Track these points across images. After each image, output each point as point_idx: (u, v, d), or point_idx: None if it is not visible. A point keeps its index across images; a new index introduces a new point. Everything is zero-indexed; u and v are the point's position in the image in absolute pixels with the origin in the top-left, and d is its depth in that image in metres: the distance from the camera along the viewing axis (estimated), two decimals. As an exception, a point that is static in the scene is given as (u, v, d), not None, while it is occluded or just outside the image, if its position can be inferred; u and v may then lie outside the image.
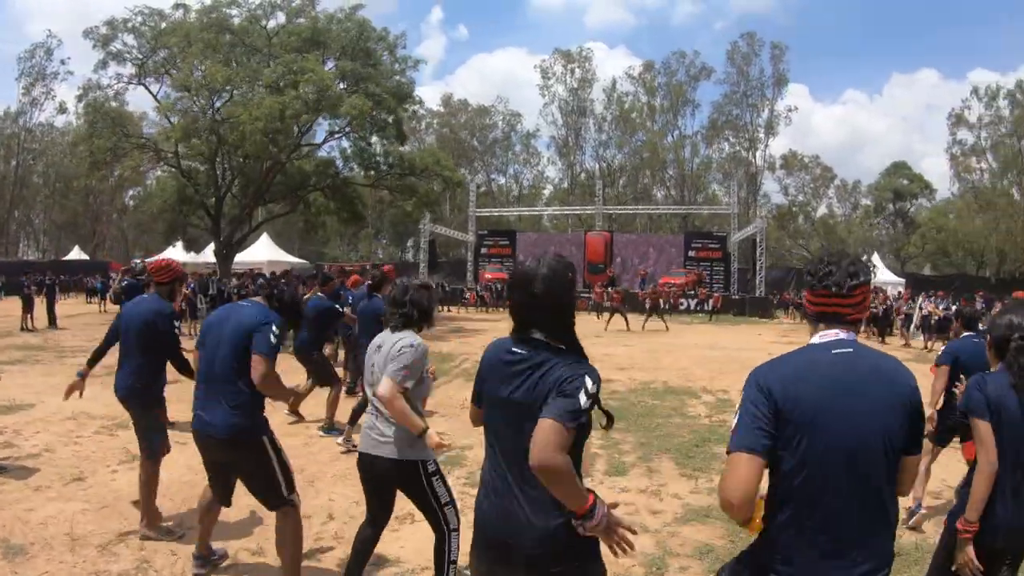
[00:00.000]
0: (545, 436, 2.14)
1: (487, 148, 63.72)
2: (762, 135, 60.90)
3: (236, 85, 23.08)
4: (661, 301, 28.37)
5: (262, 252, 34.95)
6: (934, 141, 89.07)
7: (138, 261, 15.24)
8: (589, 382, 2.27)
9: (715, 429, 9.22)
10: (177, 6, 24.69)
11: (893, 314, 25.55)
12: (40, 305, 20.32)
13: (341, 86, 22.69)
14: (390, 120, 25.12)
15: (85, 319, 23.14)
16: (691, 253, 44.54)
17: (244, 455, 4.03)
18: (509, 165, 66.68)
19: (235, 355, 3.98)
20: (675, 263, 43.97)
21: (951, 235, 55.38)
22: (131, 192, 58.26)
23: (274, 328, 4.02)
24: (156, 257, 39.15)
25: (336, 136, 26.74)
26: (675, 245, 46.21)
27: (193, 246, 39.74)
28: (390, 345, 3.85)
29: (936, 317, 23.26)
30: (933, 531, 5.54)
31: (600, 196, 50.16)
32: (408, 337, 3.88)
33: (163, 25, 23.98)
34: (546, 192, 67.80)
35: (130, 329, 5.09)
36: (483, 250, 46.41)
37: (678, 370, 15.14)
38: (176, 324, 5.34)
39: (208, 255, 31.55)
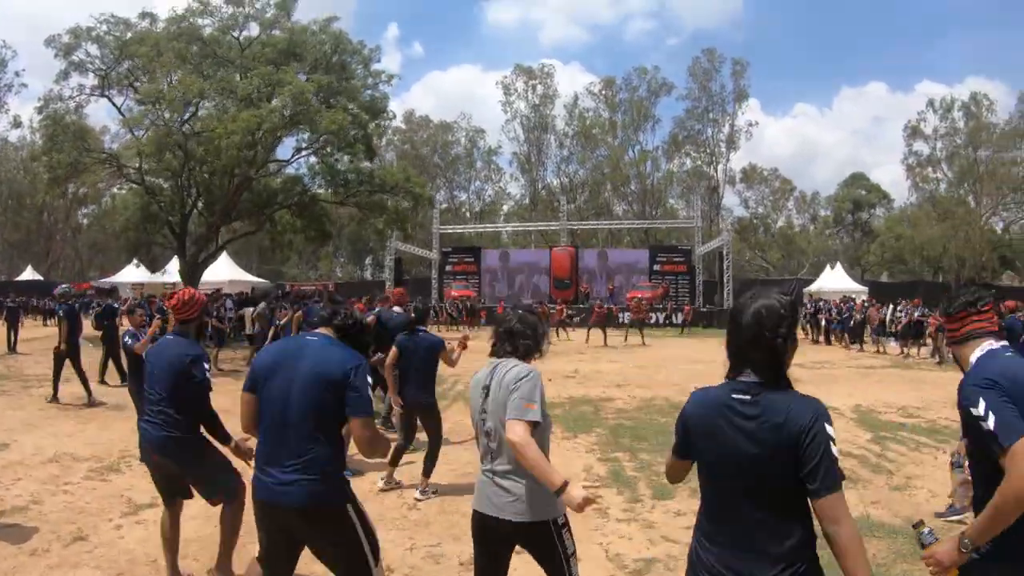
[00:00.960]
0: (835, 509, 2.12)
1: (448, 164, 63.13)
2: (723, 149, 61.68)
3: (210, 97, 22.07)
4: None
5: (223, 271, 33.70)
6: (884, 152, 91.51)
7: (65, 287, 14.36)
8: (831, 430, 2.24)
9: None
10: (144, 15, 23.65)
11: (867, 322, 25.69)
12: (-1, 328, 19.30)
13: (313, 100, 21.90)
14: (359, 136, 24.39)
15: (45, 343, 21.96)
16: (656, 267, 44.57)
17: (326, 528, 3.31)
18: (471, 182, 66.25)
19: (317, 408, 3.28)
20: (640, 277, 43.90)
21: (908, 243, 56.51)
22: (84, 210, 56.36)
23: (369, 378, 3.35)
24: (121, 279, 37.64)
25: (305, 152, 25.90)
26: (640, 259, 46.14)
27: (152, 265, 38.25)
28: (500, 378, 3.24)
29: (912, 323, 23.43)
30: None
31: (564, 212, 49.94)
32: (519, 364, 3.28)
33: (129, 35, 22.85)
34: (505, 208, 67.46)
35: (158, 378, 4.50)
36: (447, 267, 45.80)
37: (674, 386, 15.03)
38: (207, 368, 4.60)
39: (172, 274, 30.36)
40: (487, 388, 3.28)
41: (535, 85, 61.78)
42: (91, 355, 13.93)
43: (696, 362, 19.81)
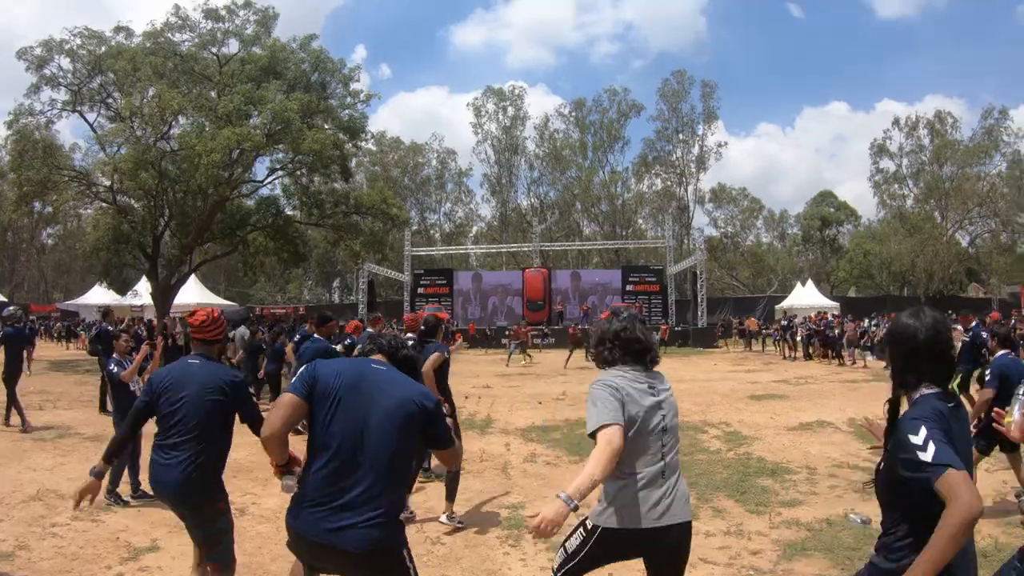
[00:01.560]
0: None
1: (419, 186, 62.84)
2: (694, 169, 62.27)
3: (188, 114, 21.44)
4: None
5: (191, 294, 32.78)
6: (845, 169, 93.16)
7: (13, 308, 13.92)
8: None
9: (747, 463, 9.34)
10: (119, 29, 22.94)
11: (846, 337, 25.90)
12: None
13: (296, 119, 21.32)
14: (335, 156, 24.00)
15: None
16: (629, 287, 44.56)
17: (382, 572, 3.00)
18: (442, 203, 65.91)
19: (400, 444, 3.01)
20: (613, 297, 43.93)
21: (876, 258, 57.60)
22: (50, 230, 55.00)
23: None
24: (87, 301, 36.45)
25: (280, 172, 25.36)
26: (613, 279, 46.18)
27: (120, 287, 37.00)
28: (668, 395, 3.36)
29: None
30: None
31: (537, 233, 49.89)
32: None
33: (103, 49, 22.13)
34: (473, 230, 67.27)
35: (190, 410, 4.02)
36: (419, 290, 45.34)
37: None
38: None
39: (143, 296, 29.58)
40: (660, 403, 3.27)
41: (506, 107, 62.04)
42: (32, 381, 13.50)
43: (681, 381, 19.64)
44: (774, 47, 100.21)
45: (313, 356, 7.98)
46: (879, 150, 57.68)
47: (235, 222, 25.81)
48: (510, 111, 62.17)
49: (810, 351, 27.55)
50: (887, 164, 57.80)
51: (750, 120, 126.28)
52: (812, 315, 32.10)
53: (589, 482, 2.89)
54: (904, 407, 2.57)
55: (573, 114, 62.33)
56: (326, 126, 22.47)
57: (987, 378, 7.11)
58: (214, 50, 23.57)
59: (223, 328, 4.35)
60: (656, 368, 3.43)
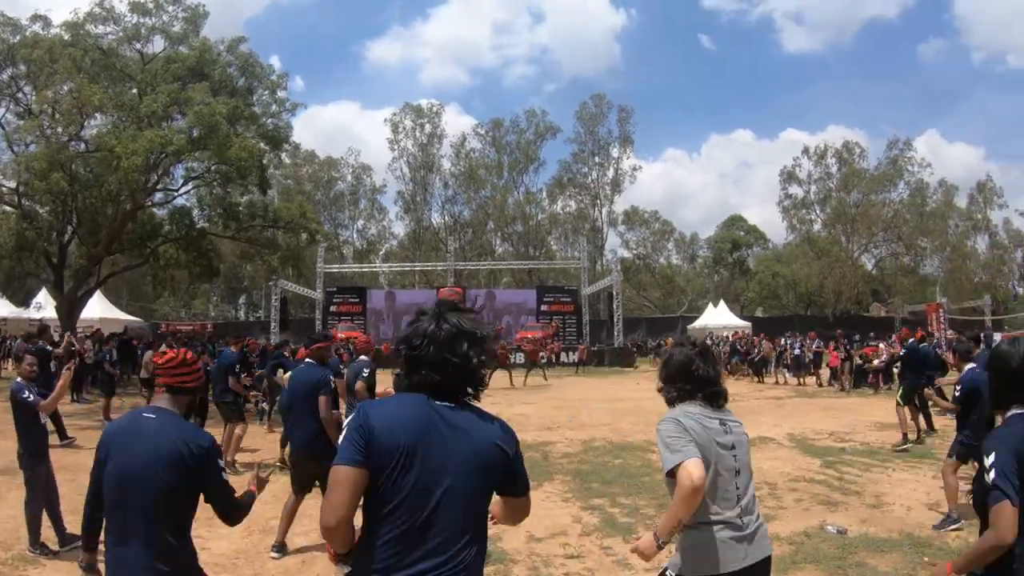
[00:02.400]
0: None
1: (332, 201, 61.49)
2: (608, 192, 63.07)
3: (108, 112, 20.00)
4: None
5: (94, 308, 30.64)
6: (750, 195, 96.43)
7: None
8: None
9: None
10: (36, 18, 21.34)
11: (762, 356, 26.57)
12: None
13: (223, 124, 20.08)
14: (253, 166, 22.98)
15: None
16: (543, 307, 44.69)
17: None
18: (355, 220, 64.69)
19: (479, 499, 2.39)
20: (528, 317, 43.95)
21: (782, 279, 59.95)
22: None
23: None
24: (23, 314, 33.39)
25: (195, 181, 24.07)
26: (527, 299, 46.23)
27: (19, 299, 34.14)
28: (740, 433, 3.23)
29: (809, 356, 24.61)
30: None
31: (452, 252, 49.56)
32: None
33: (17, 38, 20.60)
34: (383, 248, 66.32)
35: (139, 490, 2.97)
36: (332, 308, 44.28)
37: (604, 426, 14.89)
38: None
39: (47, 309, 27.52)
40: (733, 443, 3.14)
41: (423, 124, 61.45)
42: None
43: (614, 400, 19.73)
44: (685, 76, 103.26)
45: (314, 388, 6.58)
46: (788, 176, 59.79)
47: (146, 232, 24.37)
48: (427, 128, 61.76)
49: (728, 368, 28.11)
50: (796, 190, 60.09)
51: (658, 145, 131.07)
52: (730, 335, 32.82)
53: (673, 523, 2.88)
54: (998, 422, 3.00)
55: (490, 134, 62.44)
56: (248, 134, 21.37)
57: (956, 394, 7.23)
58: (138, 46, 22.12)
59: (198, 374, 3.35)
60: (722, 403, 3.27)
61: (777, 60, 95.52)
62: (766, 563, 3.10)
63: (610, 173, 62.39)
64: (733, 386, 23.43)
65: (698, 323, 43.57)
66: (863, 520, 7.35)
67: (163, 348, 13.62)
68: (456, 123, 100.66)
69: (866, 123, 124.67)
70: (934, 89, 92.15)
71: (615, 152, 62.06)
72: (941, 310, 37.89)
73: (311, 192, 57.58)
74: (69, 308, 21.98)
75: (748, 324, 41.46)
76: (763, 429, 13.88)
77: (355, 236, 64.05)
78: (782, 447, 12.09)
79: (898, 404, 12.00)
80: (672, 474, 2.90)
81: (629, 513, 7.71)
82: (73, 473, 9.02)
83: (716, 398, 3.21)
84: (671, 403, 3.24)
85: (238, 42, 22.61)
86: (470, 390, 2.39)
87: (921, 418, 12.61)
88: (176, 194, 24.91)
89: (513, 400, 19.81)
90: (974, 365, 7.35)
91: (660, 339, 40.14)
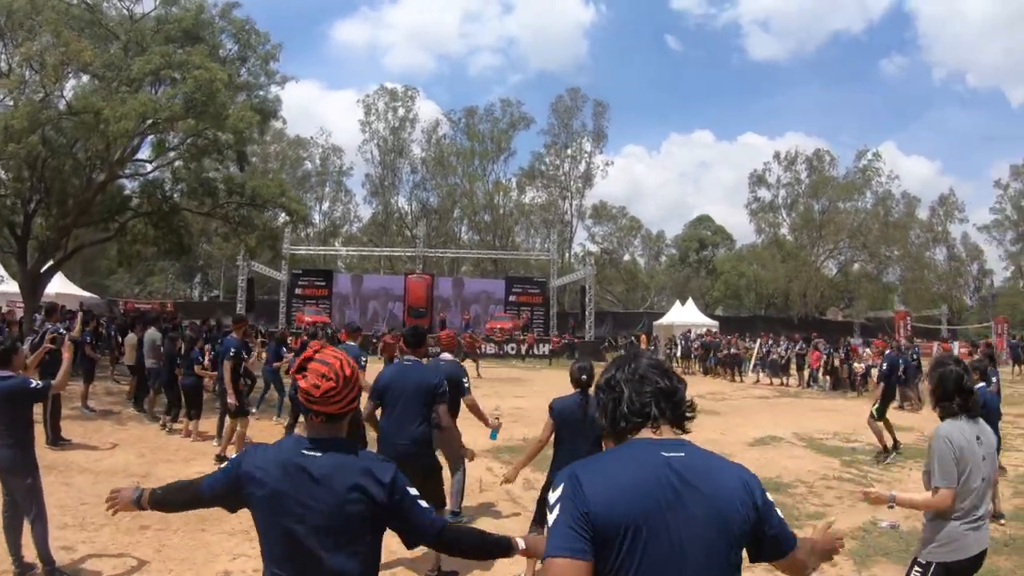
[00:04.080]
0: None
1: (299, 181, 60.07)
2: (581, 186, 62.84)
3: (95, 71, 18.76)
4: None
5: (52, 284, 29.33)
6: (706, 194, 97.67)
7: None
8: None
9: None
10: None
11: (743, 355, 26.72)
12: None
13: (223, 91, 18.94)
14: (232, 141, 22.05)
15: None
16: (512, 298, 44.42)
17: None
18: (321, 201, 63.42)
19: (732, 562, 1.84)
20: (496, 307, 43.68)
21: (749, 281, 60.71)
22: None
23: None
24: None
25: (174, 153, 22.89)
26: (496, 289, 45.92)
27: None
28: (987, 437, 3.71)
29: (791, 357, 24.82)
30: None
31: (422, 239, 48.98)
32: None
33: None
34: (345, 230, 65.27)
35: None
36: (297, 290, 43.31)
37: None
38: None
39: (10, 283, 26.03)
40: (984, 456, 3.63)
41: (396, 107, 60.41)
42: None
43: (594, 395, 19.43)
44: (649, 74, 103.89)
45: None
46: (758, 180, 60.50)
47: (115, 205, 23.21)
48: (400, 112, 60.65)
49: (702, 367, 28.25)
50: (764, 193, 60.76)
51: (619, 141, 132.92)
52: (699, 332, 32.91)
53: (909, 504, 3.79)
54: None
55: (463, 121, 61.69)
56: (240, 102, 20.41)
57: None
58: (127, 3, 20.90)
59: (356, 392, 2.46)
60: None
61: (741, 65, 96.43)
62: (985, 551, 3.66)
63: (582, 167, 62.31)
64: (714, 385, 23.70)
65: (665, 320, 43.65)
66: (906, 516, 7.34)
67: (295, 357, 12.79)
68: (420, 109, 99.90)
69: (825, 131, 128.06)
70: (894, 103, 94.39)
71: (588, 146, 61.96)
72: (908, 318, 38.58)
73: (277, 171, 56.06)
74: (32, 283, 20.83)
75: (715, 323, 41.70)
76: (768, 429, 13.81)
77: (320, 218, 62.78)
78: (795, 446, 12.02)
79: (872, 418, 11.17)
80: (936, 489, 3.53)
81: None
82: (64, 474, 8.51)
83: (976, 410, 3.70)
84: (946, 416, 3.69)
85: (232, 7, 21.56)
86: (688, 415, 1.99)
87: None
88: (152, 165, 23.70)
89: (503, 393, 19.44)
90: (983, 384, 7.37)
91: (630, 334, 40.08)
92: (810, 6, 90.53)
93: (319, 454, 2.34)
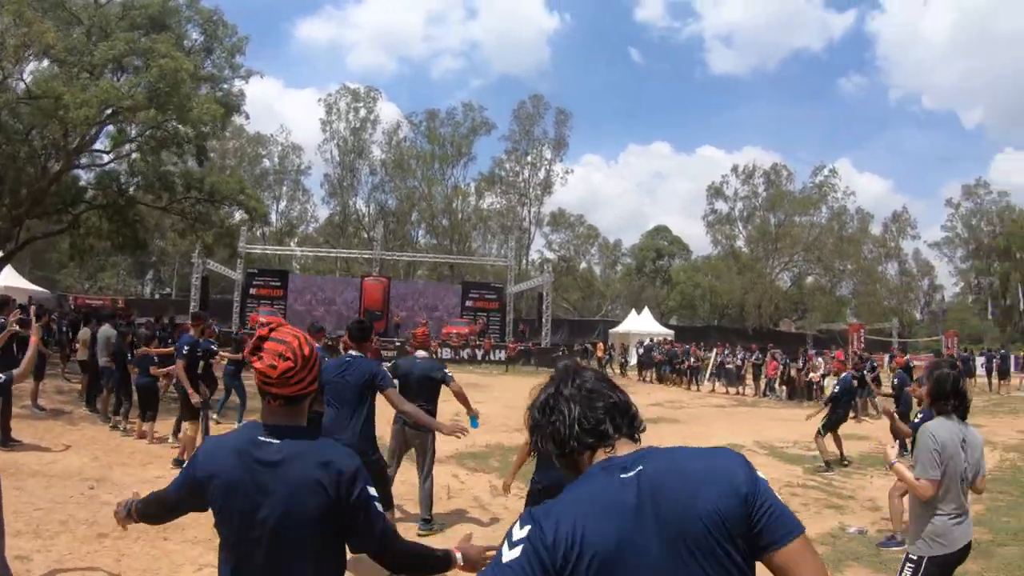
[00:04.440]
0: None
1: (256, 179, 59.17)
2: (540, 192, 63.10)
3: (58, 55, 18.15)
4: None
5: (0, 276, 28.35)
6: (663, 205, 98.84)
7: None
8: None
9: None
10: None
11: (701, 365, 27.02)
12: None
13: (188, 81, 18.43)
14: (192, 135, 21.63)
15: None
16: (468, 303, 44.26)
17: None
18: (279, 200, 62.64)
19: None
20: (452, 312, 43.47)
21: (704, 291, 61.68)
22: None
23: None
24: None
25: (131, 144, 22.34)
26: (452, 294, 45.74)
27: None
28: (973, 439, 3.93)
29: (747, 367, 25.28)
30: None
31: (378, 241, 48.56)
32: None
33: None
34: (301, 231, 64.63)
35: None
36: (252, 290, 42.53)
37: None
38: None
39: None
40: (967, 456, 3.85)
41: (358, 108, 60.03)
42: None
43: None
44: (610, 84, 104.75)
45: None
46: (716, 192, 61.57)
47: (70, 196, 22.65)
48: (362, 112, 60.27)
49: (659, 376, 28.50)
50: (721, 206, 61.82)
51: (578, 149, 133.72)
52: (658, 341, 33.15)
53: (900, 474, 4.00)
54: None
55: (424, 124, 61.51)
56: (201, 97, 20.00)
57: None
58: None
59: (316, 374, 2.28)
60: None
61: (702, 78, 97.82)
62: (970, 544, 3.89)
63: (541, 174, 62.53)
64: (671, 393, 23.88)
65: (621, 328, 43.87)
66: (872, 522, 7.70)
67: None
68: (381, 110, 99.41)
69: (781, 147, 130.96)
70: (850, 121, 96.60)
71: (548, 154, 62.24)
72: (862, 330, 39.40)
73: (235, 167, 55.17)
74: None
75: (671, 332, 42.07)
76: (729, 437, 13.91)
77: (277, 217, 61.98)
78: (758, 455, 12.15)
79: (819, 434, 11.16)
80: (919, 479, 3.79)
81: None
82: (16, 478, 8.02)
83: (966, 412, 3.96)
84: (939, 416, 3.94)
85: (198, -4, 21.15)
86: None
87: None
88: (109, 156, 23.14)
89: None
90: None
91: (585, 342, 40.26)
92: (773, 23, 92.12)
93: (276, 441, 2.16)
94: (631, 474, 1.61)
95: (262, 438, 2.18)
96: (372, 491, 2.21)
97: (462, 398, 6.56)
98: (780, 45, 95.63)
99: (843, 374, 12.97)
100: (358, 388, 5.60)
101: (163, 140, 21.34)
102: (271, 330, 2.24)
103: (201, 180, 23.60)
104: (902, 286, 64.65)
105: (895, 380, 13.10)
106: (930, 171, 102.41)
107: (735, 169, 61.17)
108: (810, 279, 61.42)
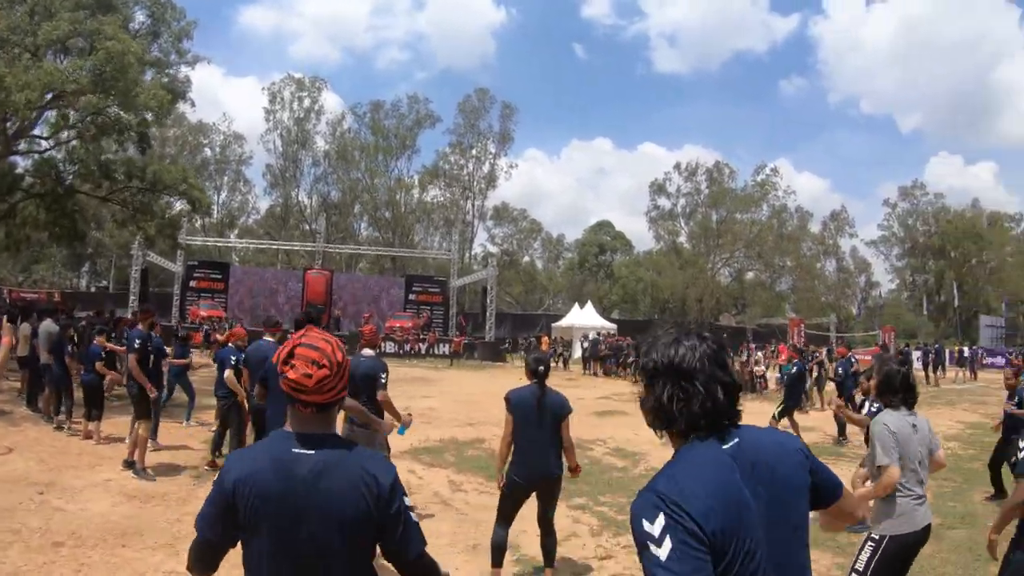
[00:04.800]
0: None
1: (196, 169, 57.66)
2: (484, 186, 63.19)
3: (0, 33, 17.06)
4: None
5: None
6: (604, 201, 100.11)
7: None
8: None
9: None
10: None
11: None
12: None
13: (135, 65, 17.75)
14: (134, 122, 20.98)
15: None
16: (412, 297, 44.14)
17: None
18: (220, 191, 61.26)
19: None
20: (396, 306, 43.29)
21: (646, 285, 62.83)
22: None
23: None
24: None
25: (69, 130, 21.53)
26: (396, 287, 45.56)
27: None
28: (924, 424, 4.22)
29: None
30: None
31: (322, 233, 48.01)
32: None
33: None
34: (241, 222, 63.46)
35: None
36: (192, 283, 41.57)
37: None
38: None
39: None
40: (920, 439, 4.14)
41: (302, 97, 59.14)
42: None
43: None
44: (554, 80, 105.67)
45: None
46: (659, 189, 62.56)
47: (5, 184, 21.77)
48: (306, 103, 59.50)
49: (603, 369, 28.81)
50: (664, 202, 62.94)
51: (521, 144, 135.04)
52: (607, 335, 33.52)
53: (868, 497, 4.07)
54: None
55: (369, 115, 60.93)
56: (147, 82, 19.39)
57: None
58: None
59: (347, 380, 2.23)
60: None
61: (645, 76, 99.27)
62: (930, 526, 4.11)
63: (485, 168, 62.62)
64: (615, 386, 24.14)
65: (564, 322, 44.06)
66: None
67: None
68: (325, 101, 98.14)
69: (722, 145, 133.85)
70: (790, 122, 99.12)
71: (493, 148, 62.28)
72: (803, 325, 40.45)
73: (176, 156, 53.76)
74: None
75: (614, 326, 42.48)
76: (677, 428, 14.10)
77: (218, 208, 60.55)
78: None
79: (774, 418, 11.97)
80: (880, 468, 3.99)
81: (620, 510, 7.59)
82: None
83: (914, 403, 4.22)
84: (890, 408, 4.21)
85: (147, -25, 20.47)
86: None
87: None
88: (48, 143, 22.28)
89: (411, 393, 19.12)
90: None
91: (530, 336, 40.45)
92: (717, 24, 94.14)
93: (311, 452, 2.09)
94: (730, 444, 1.77)
95: (297, 450, 2.10)
96: (408, 501, 2.14)
97: (389, 407, 6.45)
98: (724, 46, 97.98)
99: (794, 361, 13.65)
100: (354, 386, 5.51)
101: (104, 127, 20.62)
102: (300, 337, 2.16)
103: (143, 169, 22.87)
104: (840, 282, 67.15)
105: (839, 369, 14.67)
106: (867, 172, 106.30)
107: (678, 166, 62.38)
108: (751, 275, 62.96)
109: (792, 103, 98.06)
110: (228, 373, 8.74)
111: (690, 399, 1.75)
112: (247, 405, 8.40)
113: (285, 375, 2.10)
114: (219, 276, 42.26)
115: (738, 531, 1.61)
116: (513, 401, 5.31)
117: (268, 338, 7.67)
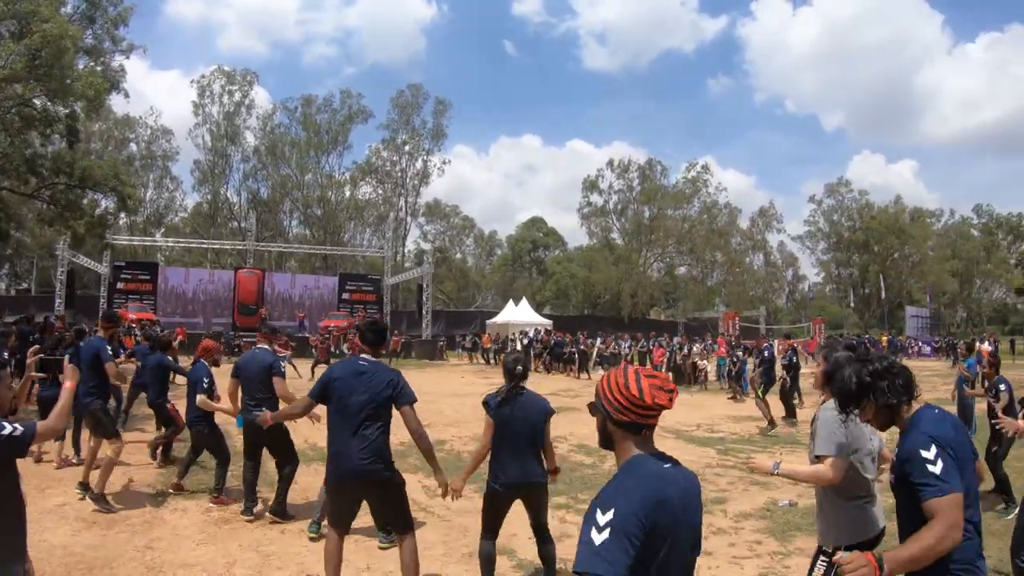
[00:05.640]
0: None
1: (122, 165, 55.77)
2: (417, 183, 62.83)
3: None
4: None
5: None
6: (531, 197, 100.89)
7: None
8: None
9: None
10: None
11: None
12: None
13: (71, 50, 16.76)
14: (63, 113, 20.12)
15: None
16: (345, 295, 43.56)
17: None
18: (146, 188, 59.02)
19: None
20: (329, 305, 42.65)
21: (579, 281, 63.46)
22: None
23: None
24: None
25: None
26: (328, 286, 44.85)
27: None
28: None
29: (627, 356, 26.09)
30: None
31: (253, 231, 47.00)
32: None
33: None
34: (167, 220, 61.75)
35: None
36: (119, 284, 39.97)
37: (478, 421, 14.45)
38: None
39: None
40: (871, 435, 3.80)
41: (232, 91, 57.65)
42: None
43: (460, 395, 19.19)
44: (484, 76, 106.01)
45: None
46: (591, 186, 63.15)
47: (-75, 181, 20.77)
48: (236, 96, 58.07)
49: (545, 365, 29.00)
50: (596, 199, 63.59)
51: (450, 140, 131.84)
52: (541, 331, 33.70)
53: (791, 474, 3.80)
54: None
55: (300, 110, 59.96)
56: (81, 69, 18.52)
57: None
58: None
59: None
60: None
61: (574, 74, 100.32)
62: (884, 528, 3.73)
63: (418, 164, 62.35)
64: (558, 382, 24.27)
65: (499, 319, 44.19)
66: (799, 494, 7.99)
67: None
68: (256, 95, 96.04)
69: (648, 142, 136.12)
70: (716, 120, 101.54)
71: (426, 144, 61.98)
72: (737, 318, 41.58)
73: (101, 150, 51.64)
74: None
75: (549, 322, 42.77)
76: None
77: (147, 206, 58.58)
78: (667, 439, 12.49)
79: (758, 397, 13.90)
80: (819, 457, 3.64)
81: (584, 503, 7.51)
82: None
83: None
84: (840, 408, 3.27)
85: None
86: None
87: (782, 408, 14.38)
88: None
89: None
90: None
91: (470, 332, 40.37)
92: (647, 23, 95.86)
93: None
94: None
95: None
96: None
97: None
98: (653, 44, 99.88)
99: (764, 346, 14.91)
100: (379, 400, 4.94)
101: (30, 119, 19.79)
102: (636, 373, 2.22)
103: (71, 164, 21.95)
104: (768, 276, 69.12)
105: (785, 360, 15.76)
106: (791, 169, 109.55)
107: (611, 163, 63.18)
108: (682, 269, 64.44)
109: (718, 101, 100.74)
110: (201, 398, 7.57)
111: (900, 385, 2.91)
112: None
113: (660, 406, 2.19)
114: (147, 277, 40.78)
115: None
116: (493, 406, 5.04)
117: (263, 346, 7.24)
